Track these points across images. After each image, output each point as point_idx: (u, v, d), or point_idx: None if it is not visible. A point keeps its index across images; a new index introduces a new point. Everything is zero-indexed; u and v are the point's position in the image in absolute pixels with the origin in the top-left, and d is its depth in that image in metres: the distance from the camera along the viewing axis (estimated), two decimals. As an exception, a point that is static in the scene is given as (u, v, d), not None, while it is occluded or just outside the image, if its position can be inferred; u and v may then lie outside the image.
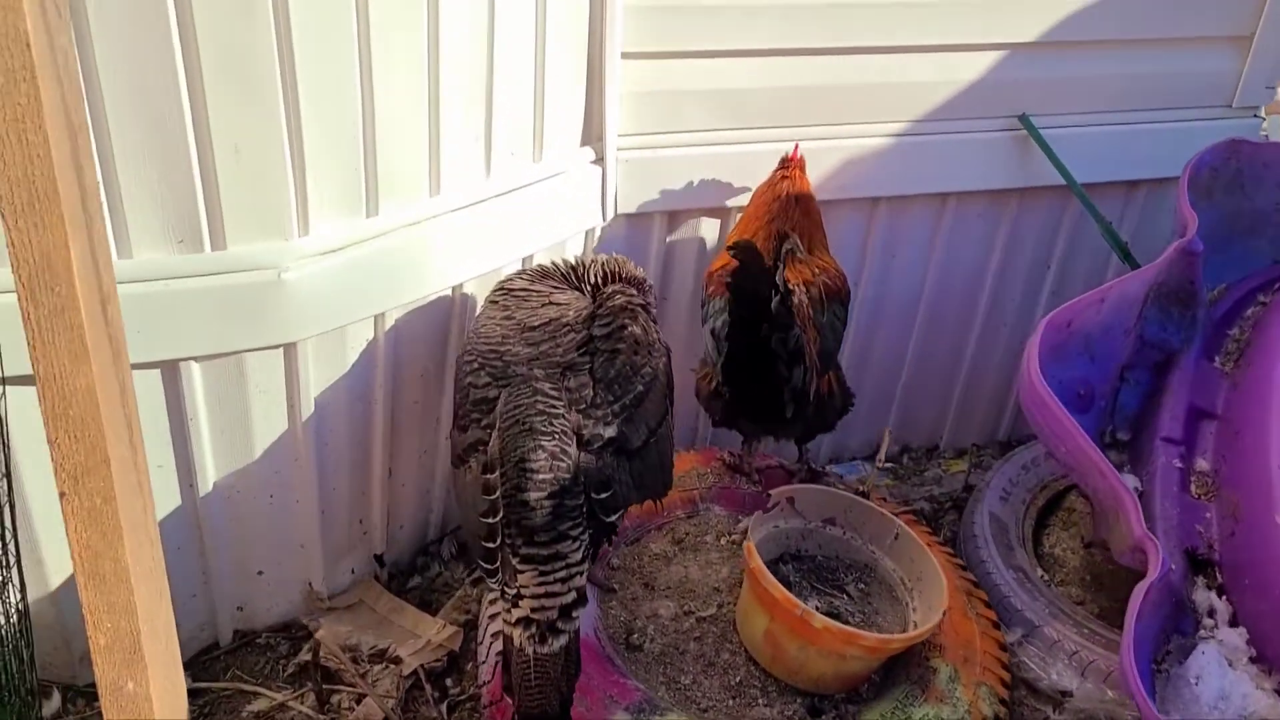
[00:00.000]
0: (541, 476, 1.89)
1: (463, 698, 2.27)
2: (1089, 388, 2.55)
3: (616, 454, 1.98)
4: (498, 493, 1.91)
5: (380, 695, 2.19)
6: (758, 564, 2.14)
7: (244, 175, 1.87)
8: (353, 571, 2.47)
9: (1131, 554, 2.14)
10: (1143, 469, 2.50)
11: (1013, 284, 3.06)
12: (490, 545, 1.91)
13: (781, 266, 2.25)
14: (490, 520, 1.91)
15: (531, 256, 2.42)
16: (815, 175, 2.61)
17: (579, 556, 1.91)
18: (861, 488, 2.58)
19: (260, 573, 2.30)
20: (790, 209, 2.51)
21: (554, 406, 1.96)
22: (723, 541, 2.53)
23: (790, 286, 2.20)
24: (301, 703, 2.22)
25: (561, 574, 1.89)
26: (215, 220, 1.89)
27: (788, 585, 2.35)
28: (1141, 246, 2.91)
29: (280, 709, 2.21)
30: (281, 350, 2.04)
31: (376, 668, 2.27)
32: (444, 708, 2.24)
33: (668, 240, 2.68)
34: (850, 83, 2.62)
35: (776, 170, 2.55)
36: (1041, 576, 2.62)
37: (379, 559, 2.53)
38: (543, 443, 1.91)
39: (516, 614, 1.89)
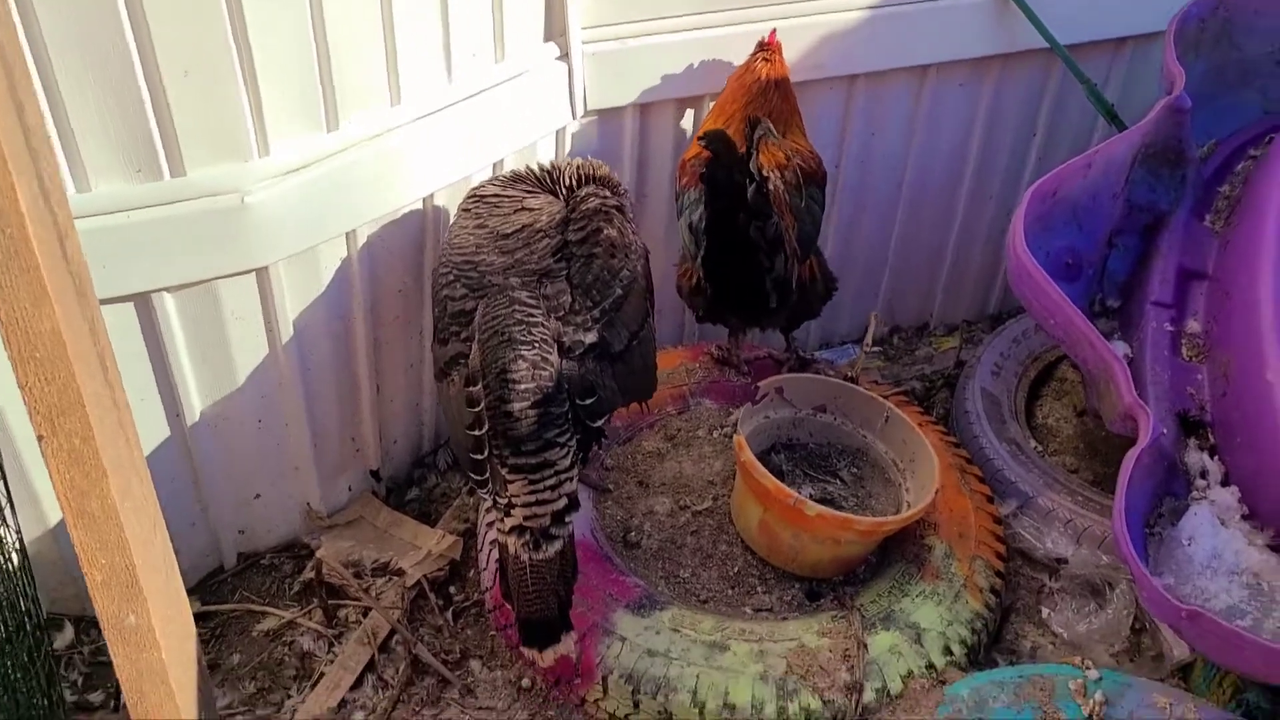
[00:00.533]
0: (524, 386, 1.88)
1: (466, 604, 2.31)
2: (1077, 256, 2.52)
3: (599, 359, 1.97)
4: (481, 405, 1.90)
5: (386, 607, 2.22)
6: (748, 457, 2.14)
7: (195, 97, 1.81)
8: (350, 489, 2.49)
9: (1122, 421, 2.15)
10: (1133, 335, 2.48)
11: (998, 154, 2.99)
12: (478, 457, 1.92)
13: (754, 153, 2.20)
14: (476, 432, 1.91)
15: (502, 162, 2.36)
16: (789, 56, 2.53)
17: (567, 463, 1.92)
18: (850, 373, 2.57)
19: (258, 496, 2.32)
20: (770, 94, 2.44)
21: (532, 315, 1.94)
22: (715, 435, 2.54)
23: (765, 173, 2.16)
24: (310, 619, 2.25)
25: (551, 481, 1.89)
26: (171, 147, 1.84)
27: (780, 475, 2.37)
28: (1130, 107, 2.84)
29: (289, 626, 2.25)
30: (254, 275, 2.01)
31: (380, 581, 2.31)
32: (449, 615, 2.27)
33: (642, 134, 2.61)
34: (822, -46, 2.52)
35: (755, 54, 2.47)
36: (1035, 448, 2.63)
37: (375, 474, 2.54)
38: (523, 352, 1.90)
39: (510, 523, 1.90)
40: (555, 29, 2.35)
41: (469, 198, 2.13)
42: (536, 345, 1.91)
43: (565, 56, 2.37)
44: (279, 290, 2.06)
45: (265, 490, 2.32)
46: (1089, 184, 2.45)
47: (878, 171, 2.90)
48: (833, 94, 2.71)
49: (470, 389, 1.92)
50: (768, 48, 2.44)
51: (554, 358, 1.93)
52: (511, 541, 1.90)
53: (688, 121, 2.65)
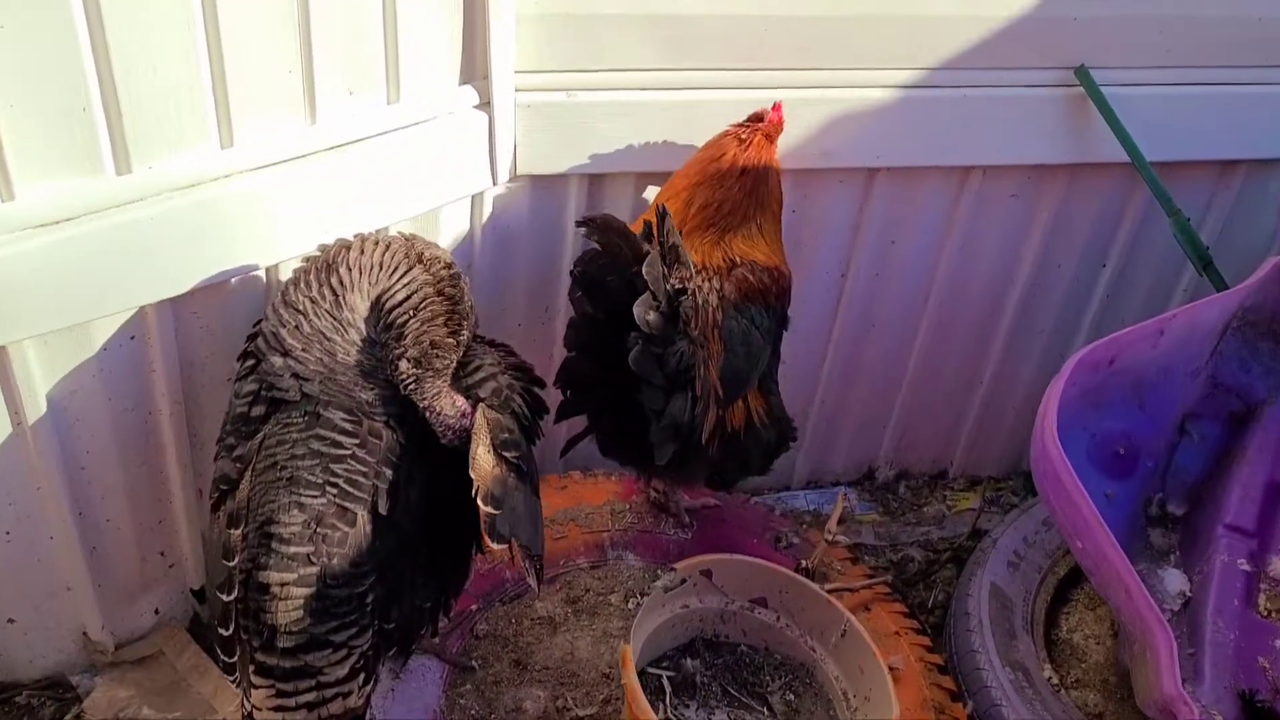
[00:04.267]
0: (293, 549, 1.34)
1: (257, 799, 1.76)
2: (1133, 445, 1.92)
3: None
4: (236, 560, 1.37)
5: (136, 801, 1.69)
6: (630, 680, 1.57)
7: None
8: (157, 612, 1.97)
9: (1158, 711, 1.53)
10: (1196, 563, 1.86)
11: (1054, 285, 2.38)
12: (224, 632, 1.39)
13: (669, 252, 1.61)
14: (224, 597, 1.38)
15: (388, 230, 1.83)
16: (790, 136, 1.97)
17: (343, 672, 1.37)
18: (805, 562, 1.98)
19: (11, 621, 1.81)
20: (743, 180, 1.87)
21: (339, 445, 1.39)
22: (630, 605, 1.97)
23: (680, 282, 1.58)
24: (49, 794, 1.74)
25: (309, 697, 1.35)
26: None
27: (690, 687, 1.79)
28: (1231, 251, 2.23)
29: (21, 800, 1.74)
30: (-13, 356, 1.50)
31: (152, 754, 1.78)
32: (227, 814, 1.74)
33: (590, 210, 2.05)
34: (845, 13, 1.95)
35: (743, 127, 1.89)
36: (1049, 679, 2.00)
37: (197, 594, 2.02)
38: (305, 498, 1.35)
39: (247, 741, 1.36)
40: (476, 70, 1.82)
41: (342, 248, 1.54)
42: (330, 492, 1.36)
43: (487, 105, 1.84)
44: (27, 376, 1.54)
45: (20, 613, 1.80)
46: (1160, 355, 1.85)
47: (896, 285, 2.31)
48: (845, 189, 2.13)
49: (230, 532, 1.39)
50: (765, 125, 1.86)
51: (362, 516, 1.38)
52: (248, 770, 1.36)
53: (652, 196, 2.09)
